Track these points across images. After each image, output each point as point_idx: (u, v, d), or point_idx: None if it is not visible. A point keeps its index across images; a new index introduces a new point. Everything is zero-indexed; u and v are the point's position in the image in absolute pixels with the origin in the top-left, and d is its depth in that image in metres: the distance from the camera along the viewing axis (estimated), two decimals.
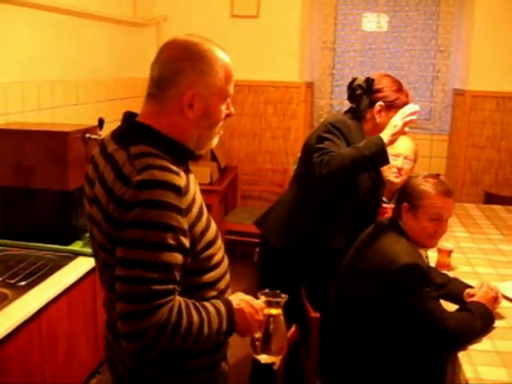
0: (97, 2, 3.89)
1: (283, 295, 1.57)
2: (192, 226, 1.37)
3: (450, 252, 2.73)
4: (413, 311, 2.01)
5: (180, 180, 1.32)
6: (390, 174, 2.76)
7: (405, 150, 2.80)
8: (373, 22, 5.26)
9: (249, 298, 1.52)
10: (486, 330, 2.10)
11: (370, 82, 2.50)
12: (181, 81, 1.37)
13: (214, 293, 1.49)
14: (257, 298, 1.56)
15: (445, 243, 2.72)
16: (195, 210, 1.39)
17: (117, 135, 1.47)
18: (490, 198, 4.50)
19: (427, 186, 2.16)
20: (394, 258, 2.04)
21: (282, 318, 1.56)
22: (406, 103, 2.47)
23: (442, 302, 2.25)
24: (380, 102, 2.50)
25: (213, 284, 1.49)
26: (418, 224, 2.17)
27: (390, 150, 2.81)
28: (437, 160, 5.15)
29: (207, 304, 1.42)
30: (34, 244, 2.76)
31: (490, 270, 2.76)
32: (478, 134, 4.87)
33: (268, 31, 4.80)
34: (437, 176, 2.24)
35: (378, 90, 2.51)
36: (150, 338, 1.27)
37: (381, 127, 2.43)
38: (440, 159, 5.16)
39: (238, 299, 1.50)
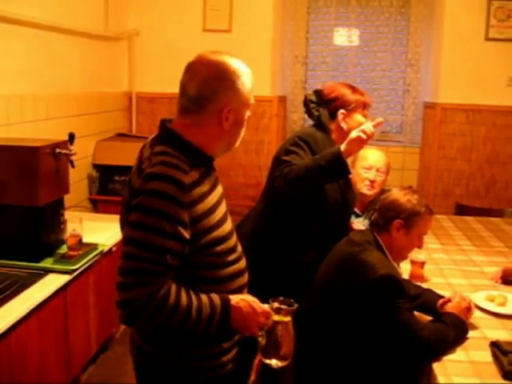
0: (67, 15, 3.86)
1: (294, 304, 1.65)
2: (196, 220, 1.52)
3: (423, 263, 2.74)
4: (388, 322, 2.00)
5: (186, 177, 1.50)
6: (362, 186, 2.77)
7: (377, 163, 2.82)
8: (344, 37, 5.30)
9: (252, 299, 1.61)
10: (460, 341, 2.11)
11: (318, 93, 2.53)
12: (218, 99, 1.58)
13: (221, 290, 1.60)
14: (268, 303, 1.64)
15: (418, 255, 2.73)
16: (202, 206, 1.55)
17: (152, 138, 1.70)
18: (462, 209, 4.55)
19: (424, 208, 2.21)
20: (369, 269, 2.04)
21: (291, 325, 1.64)
22: (364, 102, 2.53)
23: (416, 313, 2.26)
24: (341, 110, 2.51)
25: (221, 281, 1.62)
26: (408, 240, 2.22)
27: (362, 163, 2.84)
28: (409, 172, 5.19)
29: (202, 294, 1.54)
30: (3, 261, 2.71)
31: (463, 280, 2.78)
32: (448, 146, 4.93)
33: (240, 45, 4.80)
34: (416, 191, 2.28)
35: (335, 99, 2.53)
36: (134, 307, 1.46)
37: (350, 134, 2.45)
38: (412, 171, 5.21)
39: (239, 298, 1.59)
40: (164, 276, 1.48)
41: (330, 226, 2.51)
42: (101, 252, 3.06)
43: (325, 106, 2.53)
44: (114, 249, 3.24)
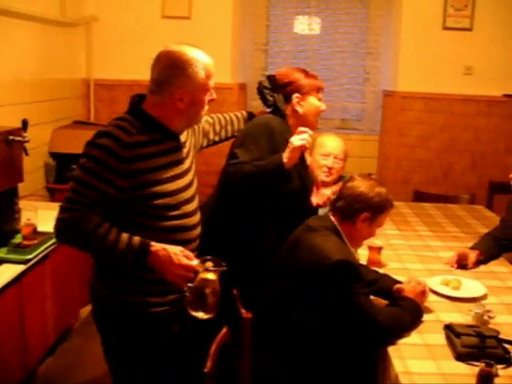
0: None
1: (223, 265, 1.85)
2: (136, 173, 1.83)
3: (380, 249, 2.77)
4: (344, 307, 2.02)
5: (129, 138, 1.83)
6: (320, 173, 2.78)
7: (334, 150, 2.83)
8: (305, 25, 5.31)
9: (175, 251, 1.84)
10: (416, 324, 2.15)
11: (272, 78, 2.54)
12: (173, 83, 1.89)
13: (164, 240, 1.87)
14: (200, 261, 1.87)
15: (375, 241, 2.76)
16: (145, 164, 1.85)
17: None
18: (420, 196, 4.61)
19: (387, 199, 2.23)
20: (325, 255, 2.05)
21: (217, 282, 1.84)
22: (318, 85, 2.57)
23: (373, 298, 2.29)
24: (296, 94, 2.53)
25: (163, 231, 1.91)
26: (369, 231, 2.26)
27: (320, 150, 2.86)
28: (368, 160, 5.24)
29: (125, 234, 1.83)
30: None
31: (419, 265, 2.82)
32: (407, 134, 5.00)
33: (200, 32, 4.76)
34: (380, 182, 2.29)
35: (289, 84, 2.54)
36: (62, 226, 1.82)
37: (306, 117, 2.51)
38: (371, 159, 5.26)
39: (162, 247, 1.84)
40: (90, 208, 1.80)
41: (289, 212, 2.50)
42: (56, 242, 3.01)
43: (279, 91, 2.52)
44: None
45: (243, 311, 2.07)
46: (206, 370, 1.66)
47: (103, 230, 1.81)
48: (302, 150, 2.32)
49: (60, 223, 1.83)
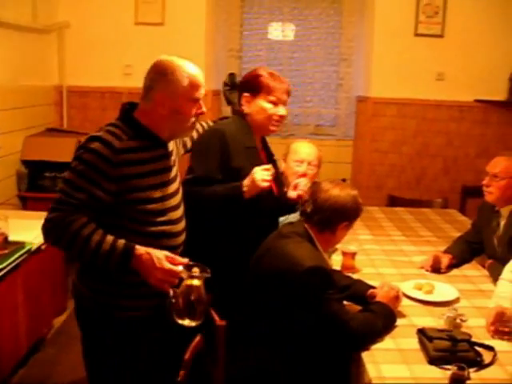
0: None
1: (207, 271, 1.85)
2: (125, 178, 1.88)
3: (353, 254, 2.79)
4: (317, 314, 2.02)
5: (120, 144, 1.89)
6: (294, 179, 2.77)
7: (308, 156, 2.83)
8: (278, 31, 5.33)
9: (159, 255, 1.85)
10: (389, 329, 2.16)
11: (232, 76, 2.52)
12: (156, 88, 1.96)
13: (150, 245, 1.90)
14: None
15: (349, 246, 2.78)
16: (133, 169, 1.90)
17: None
18: (394, 201, 4.66)
19: (360, 203, 2.24)
20: (298, 261, 2.05)
21: (202, 289, 1.85)
22: (273, 88, 2.45)
23: (347, 303, 2.30)
24: (245, 94, 2.49)
25: (150, 236, 1.95)
26: (343, 236, 2.28)
27: (294, 157, 2.86)
28: (342, 165, 5.27)
29: (110, 236, 1.85)
30: None
31: (393, 270, 2.84)
32: (380, 139, 5.04)
33: (173, 39, 4.76)
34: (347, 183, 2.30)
35: (244, 82, 2.53)
36: (48, 226, 1.85)
37: (254, 119, 2.47)
38: (345, 164, 5.29)
39: (145, 251, 1.85)
40: (77, 209, 1.83)
41: (260, 219, 2.49)
42: (28, 250, 2.97)
43: (237, 89, 2.51)
44: (43, 247, 3.14)
45: (217, 319, 2.06)
46: (179, 379, 1.64)
47: (88, 230, 1.83)
48: (263, 188, 2.31)
49: (47, 223, 1.86)
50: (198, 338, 1.95)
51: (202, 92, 2.02)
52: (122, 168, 1.89)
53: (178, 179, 2.15)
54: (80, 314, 2.10)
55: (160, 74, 1.97)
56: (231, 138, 2.39)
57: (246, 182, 2.31)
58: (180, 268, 1.85)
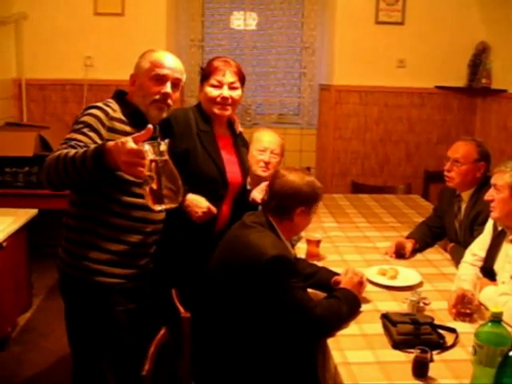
0: None
1: (164, 141, 1.82)
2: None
3: (318, 242, 2.80)
4: (281, 302, 2.03)
5: (112, 112, 2.13)
6: (257, 168, 2.78)
7: (271, 145, 2.83)
8: (240, 20, 5.31)
9: (124, 139, 1.79)
10: (353, 315, 2.18)
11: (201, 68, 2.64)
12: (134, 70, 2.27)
13: (126, 215, 2.12)
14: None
15: (313, 234, 2.79)
16: (120, 138, 1.89)
17: None
18: (358, 188, 4.70)
19: (317, 187, 2.23)
20: (261, 251, 2.05)
21: (170, 162, 1.82)
22: (210, 67, 2.58)
23: (312, 291, 2.31)
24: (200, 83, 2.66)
25: (125, 206, 2.11)
26: (306, 221, 2.26)
27: (257, 145, 2.86)
28: (307, 154, 5.30)
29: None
30: None
31: (357, 256, 2.87)
32: (344, 126, 5.07)
33: (134, 29, 4.70)
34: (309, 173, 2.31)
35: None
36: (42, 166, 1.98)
37: (203, 103, 2.60)
38: (310, 153, 5.32)
39: (114, 141, 1.84)
40: (71, 147, 1.97)
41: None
42: None
43: None
44: (4, 244, 3.09)
45: (182, 310, 2.05)
46: (143, 373, 1.63)
47: (69, 150, 1.93)
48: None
49: (43, 163, 1.99)
50: (162, 331, 1.93)
51: (163, 71, 2.20)
52: (110, 133, 2.08)
53: None
54: (62, 282, 2.21)
55: (139, 59, 2.26)
56: (175, 122, 2.48)
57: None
58: (146, 147, 1.77)
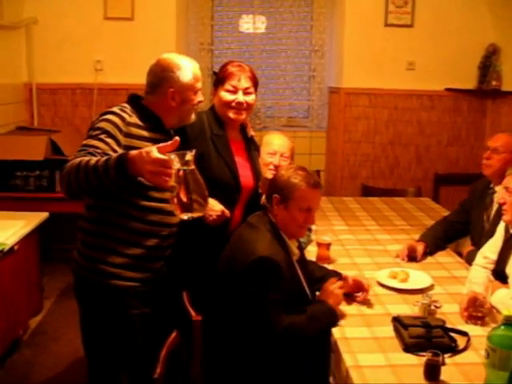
0: None
1: (191, 151, 1.83)
2: (127, 148, 1.97)
3: (328, 245, 2.80)
4: (251, 306, 2.04)
5: (128, 118, 2.12)
6: (266, 171, 2.78)
7: (280, 148, 2.84)
8: (249, 24, 5.32)
9: (148, 149, 1.81)
10: (329, 327, 2.13)
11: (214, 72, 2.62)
12: (164, 84, 2.19)
13: (143, 219, 2.12)
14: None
15: (323, 237, 2.79)
16: (137, 143, 2.07)
17: None
18: (368, 191, 4.69)
19: (298, 179, 2.19)
20: (252, 250, 2.07)
21: (196, 171, 1.84)
22: (225, 72, 2.57)
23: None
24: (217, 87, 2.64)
25: (144, 209, 2.12)
26: (288, 215, 2.20)
27: (267, 148, 2.87)
28: (316, 157, 5.29)
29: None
30: None
31: (367, 259, 2.87)
32: (353, 129, 5.07)
33: (143, 33, 4.72)
34: (305, 168, 2.28)
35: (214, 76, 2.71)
36: (61, 173, 2.00)
37: (218, 107, 2.60)
38: (319, 156, 5.31)
39: (138, 150, 1.85)
40: (89, 153, 1.97)
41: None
42: (1, 251, 2.93)
43: None
44: (16, 247, 3.11)
45: (193, 313, 2.06)
46: (155, 376, 1.64)
47: (89, 158, 1.93)
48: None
49: (62, 170, 2.00)
50: (174, 334, 1.94)
51: (200, 83, 2.27)
52: (128, 139, 2.08)
53: None
54: (78, 285, 2.22)
55: (168, 71, 2.18)
56: (190, 126, 2.44)
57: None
58: (172, 156, 1.79)
